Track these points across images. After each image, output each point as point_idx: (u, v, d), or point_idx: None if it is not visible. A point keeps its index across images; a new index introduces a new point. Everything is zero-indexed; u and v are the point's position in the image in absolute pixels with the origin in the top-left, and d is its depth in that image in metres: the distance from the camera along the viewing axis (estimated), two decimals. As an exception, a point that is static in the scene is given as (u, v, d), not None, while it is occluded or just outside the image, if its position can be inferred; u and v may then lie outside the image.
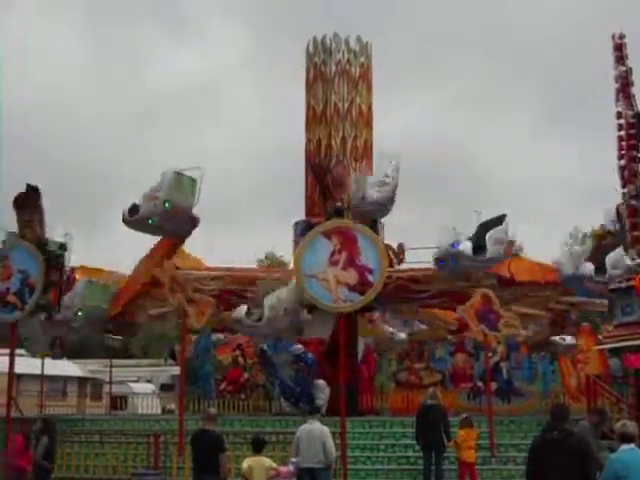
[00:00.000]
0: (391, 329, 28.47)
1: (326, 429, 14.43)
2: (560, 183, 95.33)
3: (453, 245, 21.24)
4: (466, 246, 21.22)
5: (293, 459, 14.39)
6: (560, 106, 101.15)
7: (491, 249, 21.22)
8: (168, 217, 21.80)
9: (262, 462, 12.98)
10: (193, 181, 21.92)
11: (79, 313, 24.14)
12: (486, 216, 21.87)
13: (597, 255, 21.74)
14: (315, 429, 14.40)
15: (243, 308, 21.91)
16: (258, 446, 13.14)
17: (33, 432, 16.55)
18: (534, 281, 23.87)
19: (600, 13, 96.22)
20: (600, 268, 21.34)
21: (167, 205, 21.43)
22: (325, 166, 24.50)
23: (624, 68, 19.54)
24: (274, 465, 13.13)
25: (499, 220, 21.69)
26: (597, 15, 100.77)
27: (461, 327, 27.13)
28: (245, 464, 13.01)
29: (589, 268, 21.62)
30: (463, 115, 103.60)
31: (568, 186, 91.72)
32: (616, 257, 20.75)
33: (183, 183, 21.77)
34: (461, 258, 21.23)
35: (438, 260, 21.89)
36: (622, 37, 19.78)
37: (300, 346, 22.46)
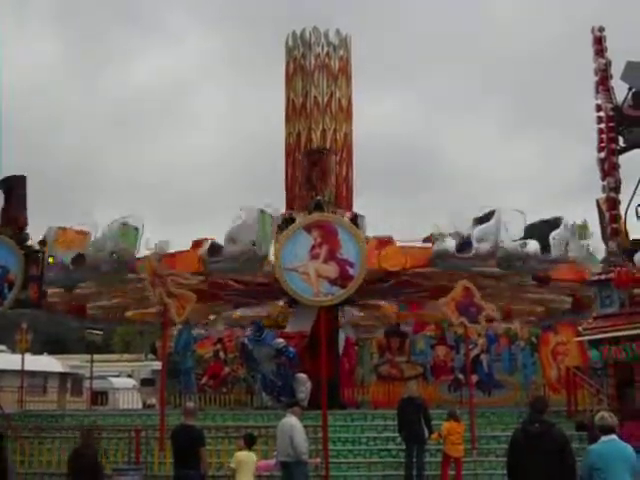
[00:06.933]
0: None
1: (296, 423, 14.43)
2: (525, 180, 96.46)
3: (521, 246, 20.89)
4: (534, 246, 20.98)
5: (275, 452, 14.62)
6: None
7: (478, 246, 21.07)
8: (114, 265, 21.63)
9: (252, 457, 13.39)
10: (136, 230, 21.88)
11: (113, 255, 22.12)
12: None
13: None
14: (285, 423, 14.49)
15: None
16: (250, 442, 13.51)
17: None
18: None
19: (567, 24, 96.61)
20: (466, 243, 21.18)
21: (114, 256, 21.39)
22: (318, 155, 24.12)
23: (603, 61, 19.56)
24: (254, 459, 13.41)
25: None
26: (563, 26, 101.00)
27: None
28: (235, 458, 13.37)
29: (450, 244, 21.27)
30: (438, 110, 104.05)
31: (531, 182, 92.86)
32: (485, 230, 20.91)
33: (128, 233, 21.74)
34: (529, 259, 21.04)
35: (502, 261, 21.33)
36: (601, 30, 19.82)
37: (281, 340, 22.46)
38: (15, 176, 21.62)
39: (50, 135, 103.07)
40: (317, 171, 23.42)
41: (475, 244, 20.89)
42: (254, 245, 20.24)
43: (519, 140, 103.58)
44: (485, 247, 20.93)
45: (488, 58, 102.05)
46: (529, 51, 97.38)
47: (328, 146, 24.97)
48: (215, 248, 21.15)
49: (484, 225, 21.19)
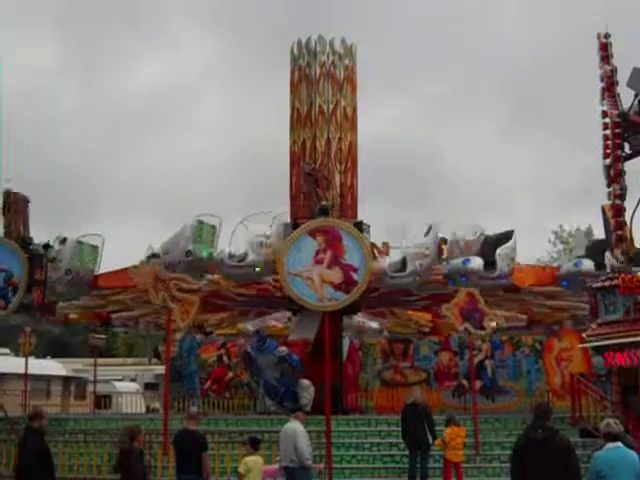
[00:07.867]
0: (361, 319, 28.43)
1: (300, 429, 14.43)
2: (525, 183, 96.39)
3: (464, 262, 20.67)
4: (477, 263, 20.77)
5: (278, 457, 14.62)
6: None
7: (500, 265, 20.88)
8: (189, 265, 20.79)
9: (259, 462, 13.39)
10: (213, 229, 21.59)
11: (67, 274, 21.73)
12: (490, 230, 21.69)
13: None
14: (289, 428, 14.49)
15: None
16: (255, 445, 13.51)
17: None
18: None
19: (569, 27, 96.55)
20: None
21: (189, 255, 20.64)
22: (317, 171, 23.98)
23: (609, 67, 19.56)
24: (262, 463, 13.45)
25: (507, 236, 21.41)
26: (565, 29, 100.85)
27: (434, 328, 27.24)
28: (245, 464, 13.28)
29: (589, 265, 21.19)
30: (439, 113, 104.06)
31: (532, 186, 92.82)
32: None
33: (203, 232, 21.20)
34: (472, 275, 20.70)
35: (448, 277, 21.19)
36: (607, 36, 19.82)
37: (285, 348, 22.41)
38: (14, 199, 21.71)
39: (49, 137, 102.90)
40: (317, 182, 23.09)
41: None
42: None
43: (519, 142, 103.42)
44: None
45: (488, 58, 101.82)
46: (529, 51, 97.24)
47: (331, 155, 24.85)
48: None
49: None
